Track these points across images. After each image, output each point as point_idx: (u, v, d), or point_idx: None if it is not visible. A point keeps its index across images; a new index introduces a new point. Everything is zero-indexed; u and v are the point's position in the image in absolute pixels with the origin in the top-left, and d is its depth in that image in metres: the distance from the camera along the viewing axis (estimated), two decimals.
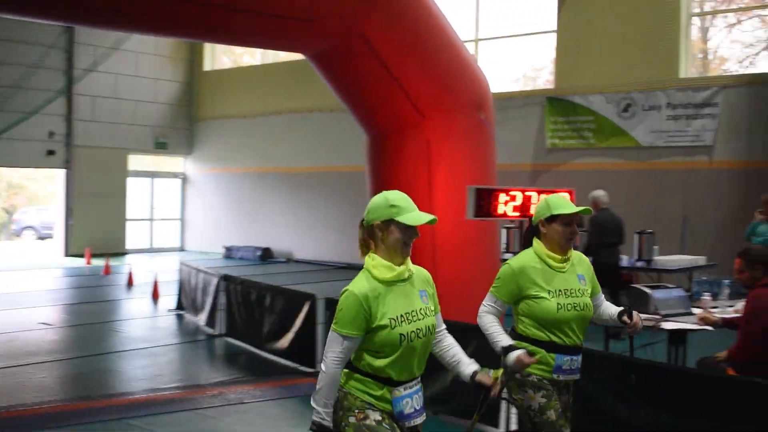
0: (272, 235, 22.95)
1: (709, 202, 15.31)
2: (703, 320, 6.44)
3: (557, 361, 4.16)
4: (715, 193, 15.25)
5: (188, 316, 12.11)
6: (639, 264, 11.43)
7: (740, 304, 6.45)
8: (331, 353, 3.39)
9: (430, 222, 3.52)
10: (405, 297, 3.49)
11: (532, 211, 7.59)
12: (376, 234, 3.49)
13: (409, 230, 3.47)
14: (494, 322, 4.22)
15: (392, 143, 9.38)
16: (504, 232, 12.50)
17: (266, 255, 22.55)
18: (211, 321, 10.92)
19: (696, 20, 16.64)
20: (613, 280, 10.58)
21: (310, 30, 8.57)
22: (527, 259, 4.24)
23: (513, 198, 7.59)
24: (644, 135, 16.12)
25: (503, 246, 12.24)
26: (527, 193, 7.65)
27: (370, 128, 9.72)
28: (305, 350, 8.68)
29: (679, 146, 15.72)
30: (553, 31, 17.62)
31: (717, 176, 15.28)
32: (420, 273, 3.68)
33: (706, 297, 7.25)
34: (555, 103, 17.26)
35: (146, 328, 11.66)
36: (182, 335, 11.08)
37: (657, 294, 7.01)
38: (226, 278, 10.66)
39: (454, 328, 6.45)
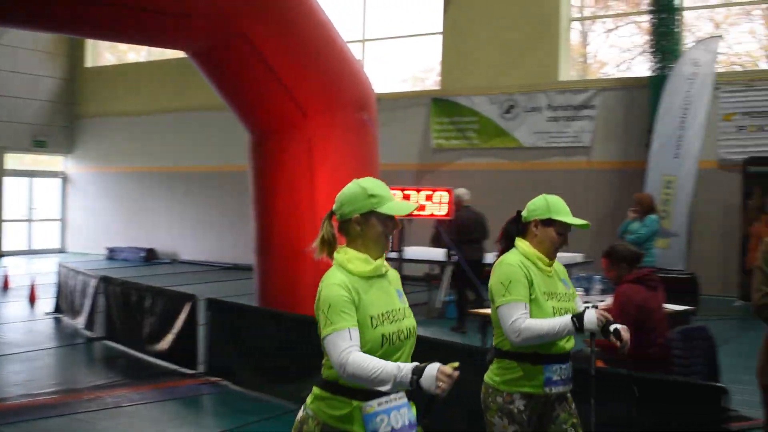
0: (157, 235, 22.47)
1: (588, 201, 15.78)
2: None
3: (546, 373, 3.74)
4: (593, 192, 15.77)
5: (66, 319, 11.75)
6: None
7: (610, 300, 6.68)
8: (337, 352, 2.87)
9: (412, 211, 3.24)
10: (385, 294, 3.09)
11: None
12: (352, 229, 3.08)
13: (390, 221, 3.10)
14: (537, 320, 3.69)
15: (274, 142, 9.35)
16: None
17: (150, 256, 22.07)
18: (89, 324, 10.63)
19: (576, 25, 17.17)
20: (476, 275, 11.04)
21: (188, 27, 8.46)
22: (521, 259, 3.81)
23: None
24: (526, 136, 16.54)
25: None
26: (406, 192, 7.73)
27: (252, 127, 9.67)
28: (186, 352, 8.55)
29: (559, 147, 16.21)
30: (439, 33, 17.87)
31: (595, 176, 15.82)
32: (392, 271, 3.27)
33: (578, 292, 7.46)
34: (440, 104, 17.51)
35: (22, 332, 11.25)
36: (60, 339, 10.75)
37: None
38: (105, 280, 10.40)
39: None
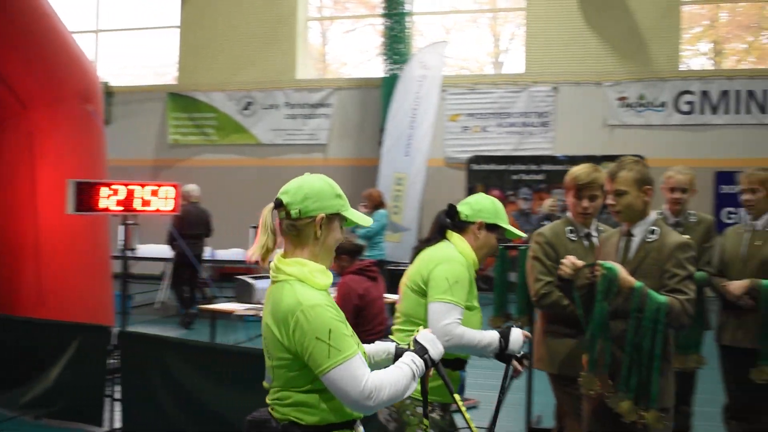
0: None
1: None
2: None
3: (462, 379, 3.63)
4: None
5: None
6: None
7: (334, 291, 6.85)
8: (359, 382, 2.40)
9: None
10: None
11: (137, 205, 7.52)
12: (308, 231, 2.54)
13: (343, 231, 2.67)
14: (472, 331, 3.45)
15: None
16: (122, 228, 12.14)
17: None
18: None
19: (316, 25, 17.46)
20: (194, 270, 11.34)
21: None
22: (462, 259, 3.54)
23: (116, 192, 7.38)
24: (264, 133, 16.61)
25: (120, 242, 11.91)
26: (130, 188, 7.48)
27: None
28: None
29: (297, 144, 16.42)
30: (177, 27, 17.49)
31: (331, 173, 15.86)
32: None
33: None
34: (177, 99, 17.16)
35: None
36: None
37: (260, 284, 7.23)
38: None
39: (57, 328, 6.22)
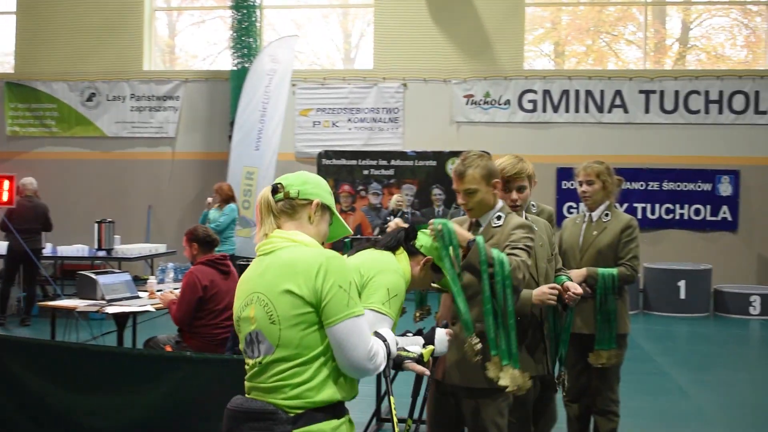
0: None
1: (173, 191, 15.85)
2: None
3: None
4: (177, 182, 15.84)
5: None
6: (100, 253, 11.38)
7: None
8: (365, 338, 2.49)
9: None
10: None
11: None
12: (303, 213, 2.68)
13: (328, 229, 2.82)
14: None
15: None
16: None
17: None
18: None
19: (164, 15, 17.06)
20: (32, 264, 11.00)
21: None
22: (405, 277, 3.39)
23: None
24: (109, 125, 16.11)
25: None
26: None
27: None
28: None
29: (144, 137, 16.02)
30: (12, 13, 16.70)
31: (179, 166, 15.89)
32: None
33: (152, 280, 7.48)
34: (15, 89, 16.39)
35: None
36: None
37: (103, 279, 7.04)
38: None
39: None
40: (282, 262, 2.53)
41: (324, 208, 2.72)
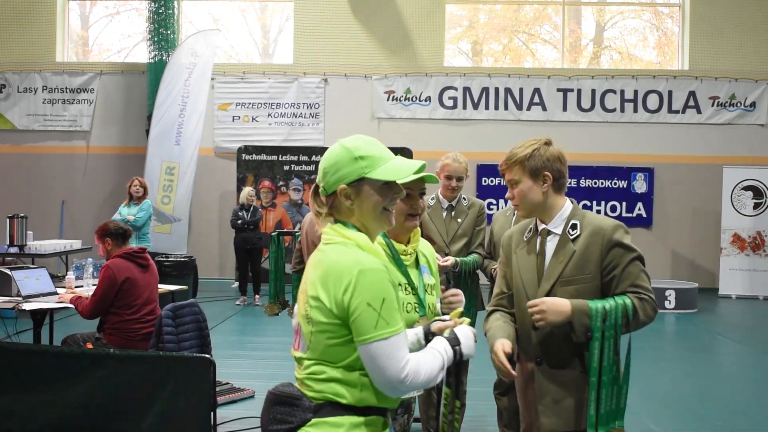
0: None
1: (87, 186, 15.48)
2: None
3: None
4: (92, 177, 15.48)
5: None
6: (12, 250, 11.01)
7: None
8: (398, 362, 2.25)
9: (420, 171, 2.46)
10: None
11: None
12: (341, 204, 2.41)
13: (391, 189, 2.41)
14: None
15: None
16: None
17: None
18: None
19: (77, 7, 16.62)
20: None
21: None
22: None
23: None
24: (20, 118, 15.64)
25: None
26: None
27: None
28: None
29: (57, 131, 15.60)
30: None
31: (94, 161, 15.52)
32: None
33: (70, 276, 7.29)
34: None
35: None
36: None
37: (19, 275, 6.81)
38: None
39: None
40: (324, 264, 2.35)
41: (354, 185, 2.39)
